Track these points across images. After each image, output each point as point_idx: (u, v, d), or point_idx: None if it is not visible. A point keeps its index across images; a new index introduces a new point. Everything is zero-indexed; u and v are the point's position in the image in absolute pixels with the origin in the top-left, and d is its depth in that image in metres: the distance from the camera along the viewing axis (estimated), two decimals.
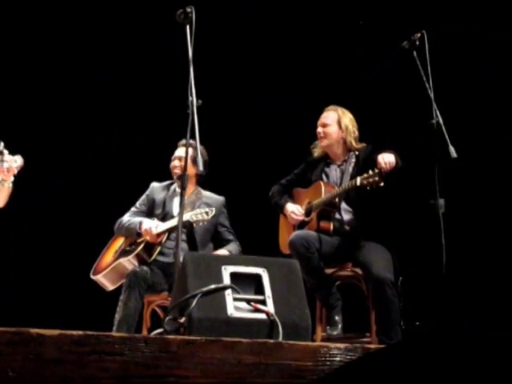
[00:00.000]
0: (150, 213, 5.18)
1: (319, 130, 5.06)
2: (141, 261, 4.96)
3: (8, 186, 4.05)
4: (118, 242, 5.21)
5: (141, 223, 5.03)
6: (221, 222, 5.19)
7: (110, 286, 5.03)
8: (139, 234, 5.02)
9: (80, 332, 2.58)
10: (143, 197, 5.26)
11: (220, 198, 5.24)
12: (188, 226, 4.91)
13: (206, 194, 5.24)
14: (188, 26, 4.19)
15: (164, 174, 5.24)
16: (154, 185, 5.28)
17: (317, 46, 6.40)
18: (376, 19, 6.16)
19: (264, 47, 6.45)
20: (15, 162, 3.92)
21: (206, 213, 4.86)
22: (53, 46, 6.44)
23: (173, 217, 5.05)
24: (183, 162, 4.38)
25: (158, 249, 4.99)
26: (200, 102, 4.13)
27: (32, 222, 6.32)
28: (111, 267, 5.00)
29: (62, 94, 6.46)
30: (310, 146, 5.19)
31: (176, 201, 5.13)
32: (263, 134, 6.46)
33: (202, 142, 4.12)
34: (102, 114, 6.48)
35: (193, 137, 4.11)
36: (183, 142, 5.06)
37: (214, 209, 4.90)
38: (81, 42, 6.44)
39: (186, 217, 4.81)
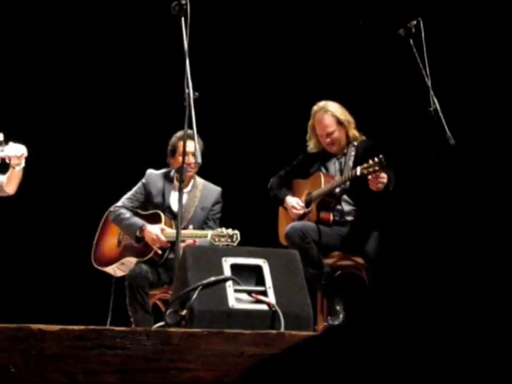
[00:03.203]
0: (146, 201, 5.05)
1: (327, 140, 5.00)
2: (150, 262, 4.87)
3: (18, 170, 4.14)
4: (116, 228, 5.10)
5: (142, 229, 4.87)
6: (213, 209, 5.13)
7: (119, 274, 4.99)
8: (138, 239, 4.91)
9: (81, 327, 2.58)
10: (139, 184, 5.09)
11: (217, 189, 5.18)
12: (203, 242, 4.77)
13: (204, 183, 5.17)
14: (183, 18, 4.18)
15: (160, 165, 5.17)
16: (151, 172, 5.12)
17: (314, 39, 6.36)
18: (372, 8, 6.12)
19: (261, 38, 6.42)
20: (15, 150, 3.99)
21: (231, 237, 4.67)
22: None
23: (172, 212, 4.95)
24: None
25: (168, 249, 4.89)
26: (197, 94, 4.12)
27: (31, 212, 6.28)
28: (119, 262, 4.96)
29: (59, 84, 6.44)
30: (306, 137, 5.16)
31: (174, 194, 5.03)
32: (262, 125, 6.44)
33: (198, 133, 4.12)
34: (99, 104, 6.46)
35: (190, 129, 4.11)
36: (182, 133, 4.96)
37: (238, 233, 4.68)
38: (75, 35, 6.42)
39: (208, 237, 4.69)
